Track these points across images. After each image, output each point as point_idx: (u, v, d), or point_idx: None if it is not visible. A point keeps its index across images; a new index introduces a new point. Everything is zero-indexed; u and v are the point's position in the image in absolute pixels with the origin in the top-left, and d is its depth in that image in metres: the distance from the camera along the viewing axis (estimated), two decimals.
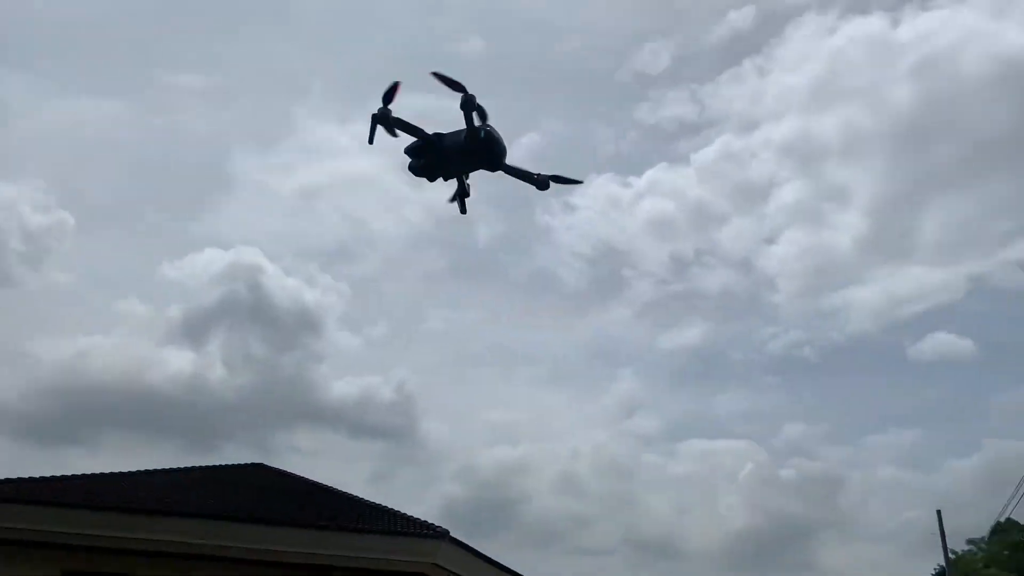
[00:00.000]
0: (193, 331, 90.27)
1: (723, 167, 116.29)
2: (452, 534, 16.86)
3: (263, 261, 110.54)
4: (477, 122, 12.02)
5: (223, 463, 22.61)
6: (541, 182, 13.27)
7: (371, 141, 12.66)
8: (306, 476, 21.43)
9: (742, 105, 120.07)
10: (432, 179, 13.26)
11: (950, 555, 51.07)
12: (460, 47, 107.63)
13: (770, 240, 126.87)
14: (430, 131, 12.74)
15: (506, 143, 12.16)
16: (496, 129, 12.07)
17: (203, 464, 22.21)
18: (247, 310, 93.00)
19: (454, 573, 17.57)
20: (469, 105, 11.73)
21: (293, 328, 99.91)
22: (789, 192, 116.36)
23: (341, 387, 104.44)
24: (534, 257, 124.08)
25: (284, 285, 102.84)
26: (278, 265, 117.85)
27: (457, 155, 12.65)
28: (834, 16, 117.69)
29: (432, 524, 17.26)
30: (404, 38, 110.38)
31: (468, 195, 13.22)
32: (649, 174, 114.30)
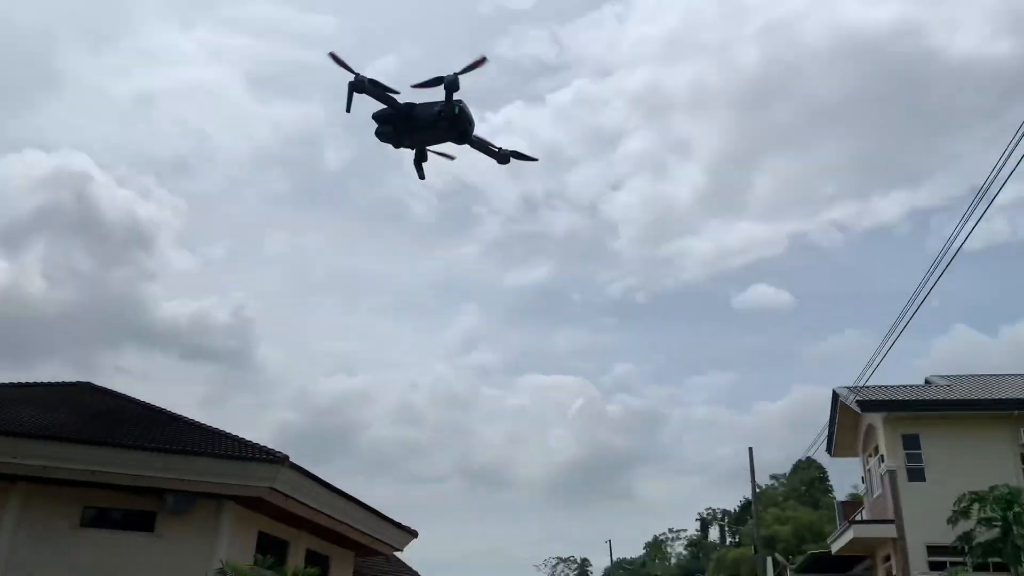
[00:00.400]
0: (9, 239, 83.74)
1: (577, 111, 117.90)
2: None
3: (93, 169, 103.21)
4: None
5: (45, 380, 21.49)
6: (502, 156, 13.69)
7: (348, 109, 12.38)
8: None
9: (599, 50, 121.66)
10: (397, 146, 13.31)
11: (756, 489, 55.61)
12: None
13: (616, 187, 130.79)
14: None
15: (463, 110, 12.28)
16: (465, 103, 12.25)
17: (21, 381, 21.03)
18: (72, 220, 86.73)
19: (292, 498, 17.67)
20: (453, 86, 11.79)
21: (123, 243, 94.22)
22: (637, 141, 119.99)
23: (174, 308, 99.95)
24: (385, 186, 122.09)
25: (115, 196, 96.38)
26: (110, 174, 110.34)
27: (428, 127, 12.77)
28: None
29: (271, 449, 17.21)
30: None
31: (426, 160, 13.34)
32: (506, 111, 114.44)
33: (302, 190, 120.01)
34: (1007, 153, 11.33)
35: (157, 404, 19.93)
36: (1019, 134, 10.97)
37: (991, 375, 29.82)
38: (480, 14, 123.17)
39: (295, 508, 18.12)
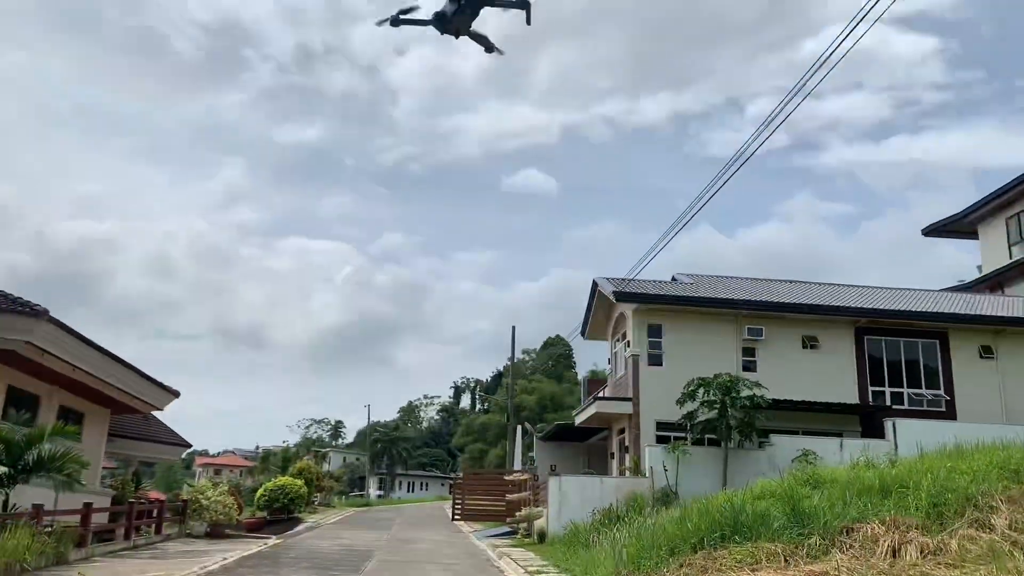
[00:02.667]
0: None
1: None
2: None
3: None
4: None
5: None
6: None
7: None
8: None
9: None
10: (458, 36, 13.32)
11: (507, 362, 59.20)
12: None
13: (400, 52, 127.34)
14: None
15: None
16: None
17: None
18: None
19: (49, 353, 16.73)
20: None
21: None
22: (427, 5, 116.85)
23: None
24: (144, 15, 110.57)
25: None
26: None
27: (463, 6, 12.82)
28: None
29: (28, 301, 16.07)
30: None
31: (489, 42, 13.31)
32: None
33: (50, 8, 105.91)
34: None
35: None
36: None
37: (727, 276, 33.49)
38: None
39: (51, 363, 17.22)
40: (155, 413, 26.76)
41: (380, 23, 13.14)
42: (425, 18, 13.19)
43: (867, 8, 10.32)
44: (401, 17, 12.97)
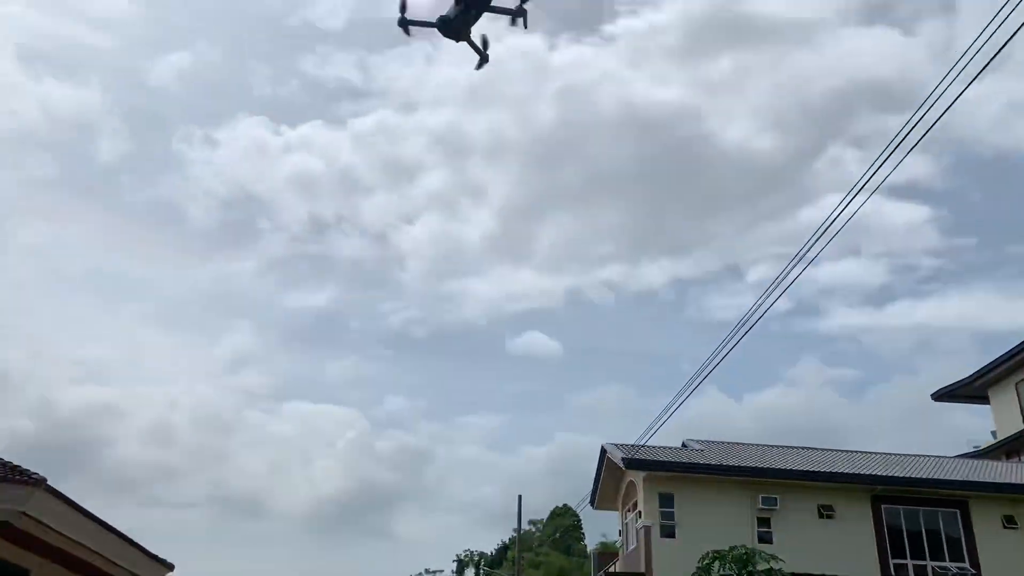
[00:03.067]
0: None
1: (377, 140, 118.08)
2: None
3: None
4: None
5: None
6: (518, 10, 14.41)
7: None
8: None
9: (406, 85, 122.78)
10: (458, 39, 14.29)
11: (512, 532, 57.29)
12: None
13: (409, 220, 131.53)
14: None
15: None
16: None
17: None
18: None
19: (43, 524, 16.20)
20: None
21: None
22: (434, 178, 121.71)
23: None
24: (160, 186, 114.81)
25: None
26: None
27: (465, 10, 13.92)
28: (501, 26, 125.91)
29: (24, 469, 15.71)
30: None
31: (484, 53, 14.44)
32: (303, 129, 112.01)
33: (69, 179, 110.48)
34: None
35: None
36: None
37: (738, 443, 32.90)
38: (287, 26, 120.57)
39: (45, 535, 16.62)
40: None
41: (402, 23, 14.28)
42: (430, 21, 14.14)
43: (863, 180, 10.71)
44: (406, 19, 13.89)
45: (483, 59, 14.71)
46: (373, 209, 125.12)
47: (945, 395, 40.09)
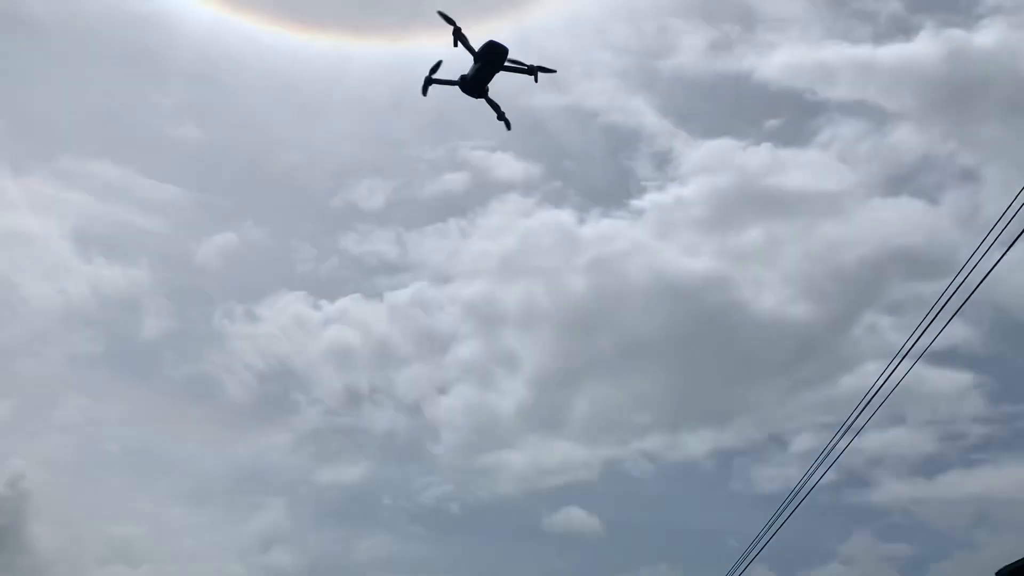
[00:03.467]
0: None
1: (413, 312, 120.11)
2: None
3: None
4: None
5: None
6: (532, 70, 16.41)
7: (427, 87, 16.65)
8: None
9: (441, 258, 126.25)
10: (477, 95, 15.92)
11: None
12: (176, 129, 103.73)
13: (442, 390, 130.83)
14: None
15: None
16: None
17: None
18: None
19: None
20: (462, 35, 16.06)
21: None
22: (467, 349, 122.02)
23: None
24: (200, 361, 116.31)
25: None
26: None
27: (481, 67, 15.36)
28: (533, 202, 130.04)
29: None
30: (114, 104, 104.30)
31: (501, 111, 16.27)
32: (342, 302, 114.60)
33: (111, 356, 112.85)
34: None
35: None
36: None
37: None
38: (330, 206, 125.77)
39: None
40: None
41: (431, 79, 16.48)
42: (452, 79, 14.88)
43: (905, 349, 10.49)
44: (432, 78, 14.87)
45: (501, 116, 15.94)
46: (407, 380, 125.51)
47: (1012, 572, 37.50)
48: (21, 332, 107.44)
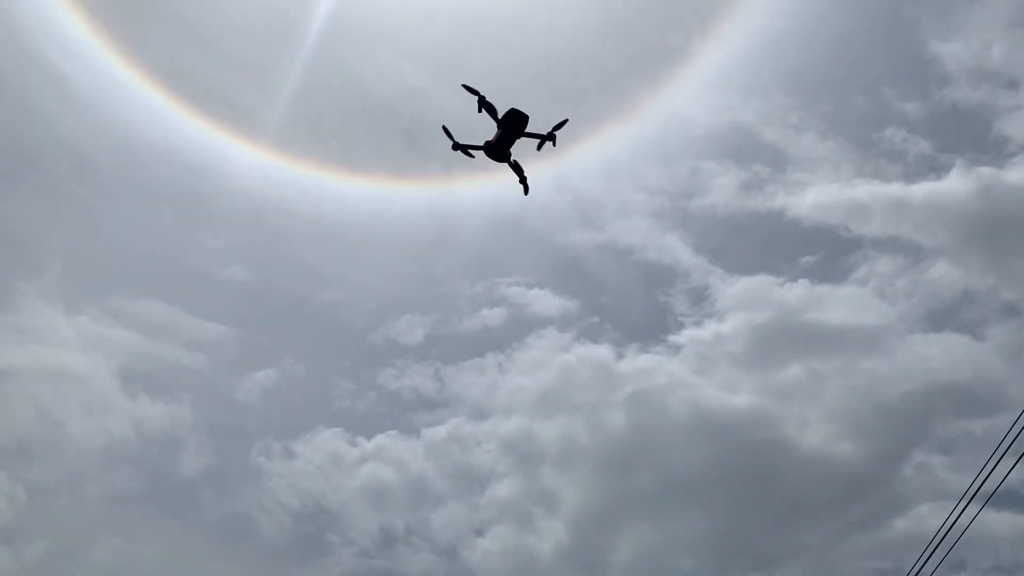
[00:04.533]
0: None
1: (450, 448, 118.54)
2: None
3: None
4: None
5: None
6: (550, 136, 17.95)
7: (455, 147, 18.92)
8: None
9: (478, 393, 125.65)
10: (500, 159, 17.29)
11: None
12: (224, 271, 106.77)
13: (479, 532, 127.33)
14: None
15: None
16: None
17: None
18: None
19: None
20: (486, 103, 17.94)
21: None
22: (505, 487, 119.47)
23: None
24: (236, 499, 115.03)
25: None
26: None
27: (504, 133, 16.68)
28: (570, 337, 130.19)
29: None
30: (166, 246, 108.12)
31: (524, 175, 17.75)
32: (379, 439, 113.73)
33: (149, 493, 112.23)
34: None
35: None
36: None
37: None
38: (369, 342, 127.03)
39: None
40: None
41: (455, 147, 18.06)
42: (478, 145, 15.63)
43: (970, 494, 10.08)
44: (458, 143, 15.76)
45: (522, 180, 16.91)
46: (443, 520, 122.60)
47: None
48: (62, 470, 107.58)
